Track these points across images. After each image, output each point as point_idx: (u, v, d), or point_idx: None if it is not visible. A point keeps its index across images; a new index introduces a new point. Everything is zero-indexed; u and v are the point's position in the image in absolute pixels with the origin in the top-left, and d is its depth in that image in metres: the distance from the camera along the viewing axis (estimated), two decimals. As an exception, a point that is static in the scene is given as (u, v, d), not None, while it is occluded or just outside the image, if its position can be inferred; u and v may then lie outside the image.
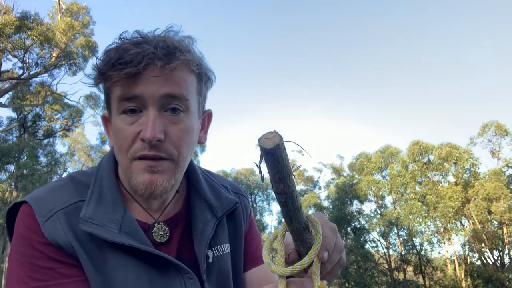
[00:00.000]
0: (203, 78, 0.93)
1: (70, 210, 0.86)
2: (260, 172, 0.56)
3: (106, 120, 0.96)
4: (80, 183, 0.93)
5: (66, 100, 23.47)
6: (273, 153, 0.53)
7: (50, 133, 23.57)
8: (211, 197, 1.01)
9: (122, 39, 0.86)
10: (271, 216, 37.83)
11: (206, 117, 1.01)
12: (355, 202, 30.56)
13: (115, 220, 0.87)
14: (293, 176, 0.58)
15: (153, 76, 0.82)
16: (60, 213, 0.84)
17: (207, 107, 1.00)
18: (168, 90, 0.84)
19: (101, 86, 0.90)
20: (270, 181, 0.57)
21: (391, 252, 29.11)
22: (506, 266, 24.59)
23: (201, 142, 0.98)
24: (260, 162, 0.55)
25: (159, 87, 0.83)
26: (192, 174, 1.03)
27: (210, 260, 0.96)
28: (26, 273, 0.81)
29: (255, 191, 36.77)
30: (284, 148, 0.54)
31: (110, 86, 0.86)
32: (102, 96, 0.95)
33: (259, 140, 0.53)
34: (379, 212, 29.56)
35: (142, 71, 0.81)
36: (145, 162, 0.84)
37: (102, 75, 0.84)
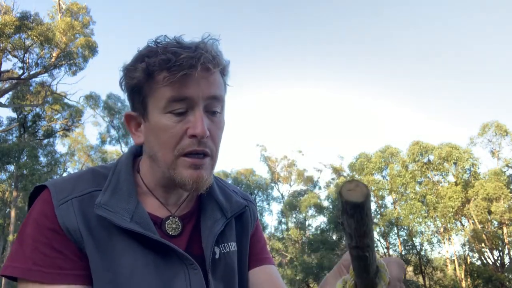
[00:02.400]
0: (227, 82, 1.01)
1: (84, 198, 0.92)
2: (344, 228, 0.51)
3: (131, 119, 0.99)
4: (99, 174, 0.99)
5: (66, 100, 23.50)
6: (363, 206, 0.48)
7: (50, 133, 23.58)
8: (221, 199, 1.07)
9: (158, 44, 0.92)
10: (271, 216, 37.91)
11: None
12: (355, 202, 30.51)
13: (127, 209, 0.92)
14: (371, 235, 0.54)
15: (202, 78, 0.90)
16: (75, 200, 0.90)
17: None
18: (213, 92, 0.92)
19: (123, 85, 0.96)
20: (351, 236, 0.52)
21: (391, 252, 29.11)
22: (506, 266, 24.60)
23: None
24: (343, 217, 0.50)
25: (206, 89, 0.91)
26: None
27: (217, 256, 1.00)
28: (27, 254, 0.85)
29: (255, 191, 36.78)
30: (369, 201, 0.50)
31: (157, 87, 0.90)
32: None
33: (341, 194, 0.49)
34: (379, 212, 29.57)
35: (192, 73, 0.88)
36: (193, 160, 0.92)
37: (149, 75, 0.89)
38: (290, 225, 35.17)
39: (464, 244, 27.14)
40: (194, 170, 0.92)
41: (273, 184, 38.93)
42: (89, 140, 36.61)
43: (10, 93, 21.40)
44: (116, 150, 31.46)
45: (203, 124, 0.89)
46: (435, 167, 27.24)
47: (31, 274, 0.85)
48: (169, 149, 0.91)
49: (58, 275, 0.85)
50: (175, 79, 0.87)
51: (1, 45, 18.20)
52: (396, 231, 28.80)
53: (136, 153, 1.04)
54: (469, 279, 25.99)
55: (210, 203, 1.05)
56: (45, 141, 23.30)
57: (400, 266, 0.70)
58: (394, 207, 28.97)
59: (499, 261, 25.22)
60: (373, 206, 30.03)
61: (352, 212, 0.49)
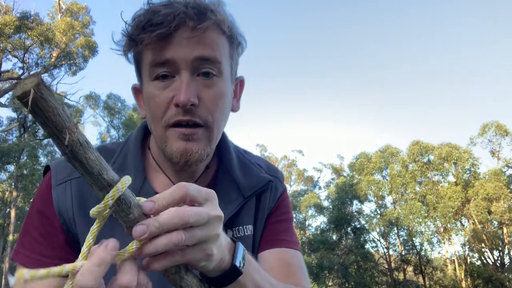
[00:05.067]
0: (235, 42, 0.89)
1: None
2: (26, 128, 0.46)
3: (137, 91, 0.94)
4: (107, 151, 0.92)
5: (66, 100, 23.48)
6: (29, 98, 0.42)
7: (50, 133, 23.53)
8: (240, 176, 0.96)
9: (150, 4, 0.83)
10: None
11: (238, 84, 0.97)
12: (355, 202, 30.52)
13: (132, 188, 0.83)
14: (69, 134, 0.47)
15: (184, 38, 0.79)
16: (74, 181, 0.86)
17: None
18: (201, 52, 0.80)
19: (130, 56, 0.87)
20: (48, 133, 0.47)
21: (391, 252, 29.10)
22: (506, 266, 24.58)
23: (234, 110, 0.95)
24: (30, 115, 0.47)
25: (191, 50, 0.79)
26: (224, 150, 0.99)
27: None
28: (21, 237, 0.87)
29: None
30: (47, 92, 0.43)
31: (141, 51, 0.83)
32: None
33: (15, 89, 0.43)
34: (379, 212, 29.54)
35: (173, 32, 0.78)
36: (180, 130, 0.82)
37: (133, 40, 0.81)
38: (290, 225, 35.09)
39: (464, 244, 27.11)
40: (183, 142, 0.82)
41: (273, 184, 38.81)
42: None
43: (10, 93, 21.38)
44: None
45: (187, 90, 0.78)
46: (435, 167, 27.22)
47: (19, 256, 0.86)
48: (158, 120, 0.83)
49: (39, 262, 0.84)
50: (152, 40, 0.78)
51: (1, 45, 18.19)
52: (396, 231, 28.78)
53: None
54: (469, 279, 25.97)
55: (226, 181, 0.95)
56: (45, 141, 23.29)
57: (176, 190, 0.56)
58: (394, 207, 28.94)
59: (499, 261, 25.20)
60: (373, 206, 30.11)
61: (28, 107, 0.43)
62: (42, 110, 0.43)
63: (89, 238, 0.56)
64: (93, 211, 0.54)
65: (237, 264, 0.67)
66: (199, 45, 0.80)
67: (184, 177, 0.91)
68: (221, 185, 0.94)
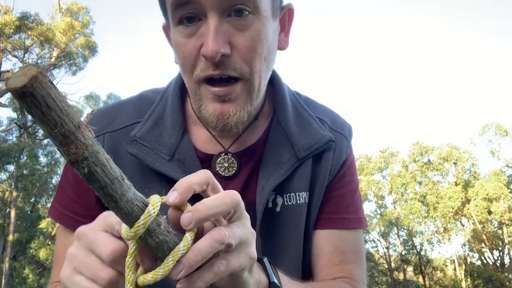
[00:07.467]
0: None
1: (119, 133, 0.79)
2: (26, 128, 0.39)
3: (167, 31, 0.80)
4: (146, 100, 0.84)
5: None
6: (32, 93, 0.33)
7: (50, 133, 23.57)
8: (295, 132, 0.82)
9: None
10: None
11: (286, 14, 0.81)
12: (355, 202, 30.50)
13: (168, 144, 0.77)
14: (87, 129, 0.38)
15: None
16: (107, 135, 0.79)
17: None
18: None
19: None
20: (55, 145, 0.37)
21: (391, 252, 29.10)
22: (506, 266, 24.59)
23: (282, 48, 0.81)
24: (23, 115, 0.38)
25: None
26: (277, 97, 0.85)
27: (278, 208, 0.80)
28: (58, 188, 0.83)
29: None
30: (50, 83, 0.34)
31: None
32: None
33: (7, 82, 0.34)
34: (379, 212, 29.55)
35: None
36: (213, 89, 0.70)
37: None
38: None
39: (464, 244, 27.13)
40: (218, 104, 0.70)
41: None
42: (89, 140, 36.49)
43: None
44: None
45: (215, 39, 0.65)
46: (435, 167, 27.23)
47: (53, 211, 0.82)
48: (188, 74, 0.72)
49: (72, 219, 0.80)
50: None
51: (1, 45, 18.21)
52: (396, 231, 28.78)
53: None
54: (469, 279, 25.98)
55: (277, 137, 0.82)
56: (45, 141, 23.30)
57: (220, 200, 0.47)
58: (394, 207, 28.96)
59: (499, 261, 25.21)
60: (373, 206, 30.12)
61: (25, 105, 0.34)
62: (55, 100, 0.34)
63: (129, 259, 0.48)
64: (122, 234, 0.47)
65: (275, 280, 0.58)
66: None
67: (229, 131, 0.78)
68: (272, 144, 0.81)
